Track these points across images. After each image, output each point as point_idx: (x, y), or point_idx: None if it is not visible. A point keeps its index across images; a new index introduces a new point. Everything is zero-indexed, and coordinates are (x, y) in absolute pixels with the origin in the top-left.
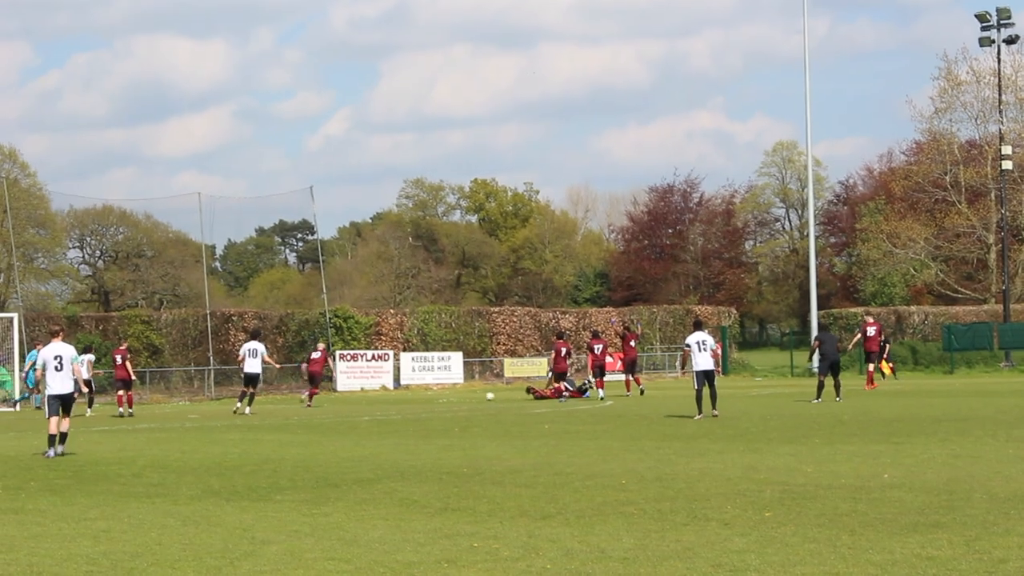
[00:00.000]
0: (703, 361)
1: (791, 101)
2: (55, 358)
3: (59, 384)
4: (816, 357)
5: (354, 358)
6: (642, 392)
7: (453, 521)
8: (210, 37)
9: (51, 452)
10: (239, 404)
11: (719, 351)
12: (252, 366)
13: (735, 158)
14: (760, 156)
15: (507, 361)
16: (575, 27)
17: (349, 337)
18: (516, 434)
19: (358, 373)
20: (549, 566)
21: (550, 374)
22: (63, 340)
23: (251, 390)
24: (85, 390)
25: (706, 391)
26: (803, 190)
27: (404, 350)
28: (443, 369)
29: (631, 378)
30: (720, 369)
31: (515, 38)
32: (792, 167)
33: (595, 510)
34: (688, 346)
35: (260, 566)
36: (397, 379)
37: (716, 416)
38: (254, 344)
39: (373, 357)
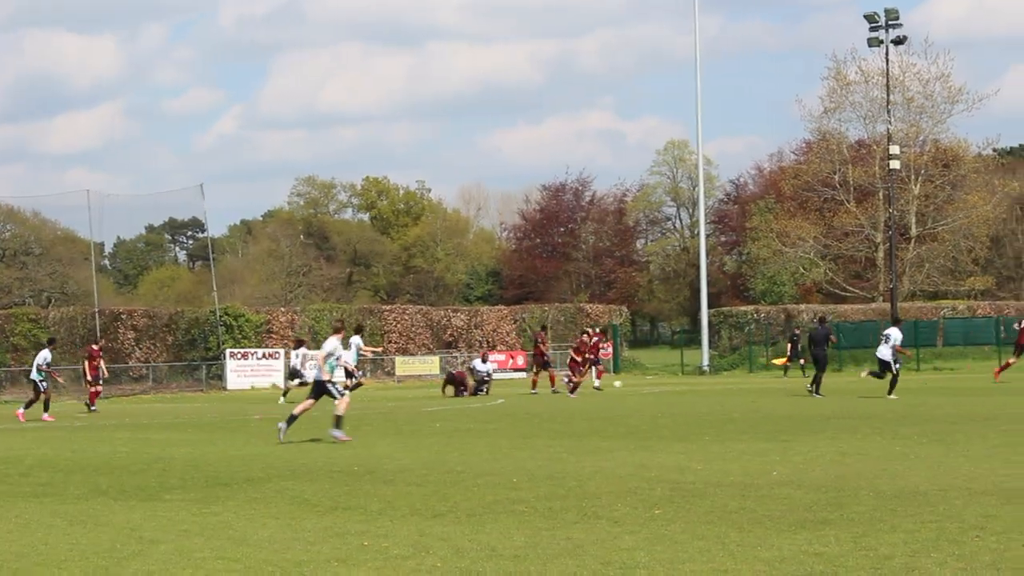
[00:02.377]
0: (882, 352)
1: (682, 100)
2: None
3: None
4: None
5: (244, 356)
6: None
7: (344, 520)
8: (99, 33)
9: None
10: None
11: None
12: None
13: (625, 158)
14: (650, 155)
15: (398, 359)
16: (466, 26)
17: (240, 335)
18: (408, 432)
19: (249, 371)
20: (439, 564)
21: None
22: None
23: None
24: None
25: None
26: (694, 189)
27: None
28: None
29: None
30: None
31: (406, 36)
32: (683, 166)
33: (486, 508)
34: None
35: (148, 566)
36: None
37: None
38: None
39: (264, 355)
